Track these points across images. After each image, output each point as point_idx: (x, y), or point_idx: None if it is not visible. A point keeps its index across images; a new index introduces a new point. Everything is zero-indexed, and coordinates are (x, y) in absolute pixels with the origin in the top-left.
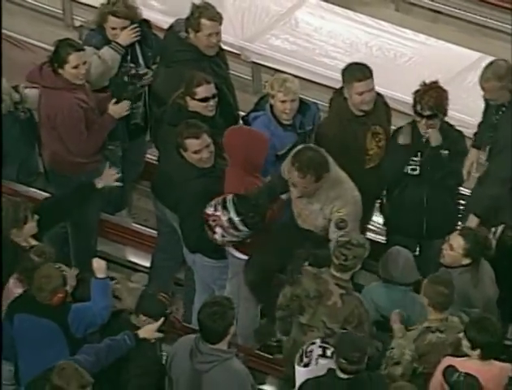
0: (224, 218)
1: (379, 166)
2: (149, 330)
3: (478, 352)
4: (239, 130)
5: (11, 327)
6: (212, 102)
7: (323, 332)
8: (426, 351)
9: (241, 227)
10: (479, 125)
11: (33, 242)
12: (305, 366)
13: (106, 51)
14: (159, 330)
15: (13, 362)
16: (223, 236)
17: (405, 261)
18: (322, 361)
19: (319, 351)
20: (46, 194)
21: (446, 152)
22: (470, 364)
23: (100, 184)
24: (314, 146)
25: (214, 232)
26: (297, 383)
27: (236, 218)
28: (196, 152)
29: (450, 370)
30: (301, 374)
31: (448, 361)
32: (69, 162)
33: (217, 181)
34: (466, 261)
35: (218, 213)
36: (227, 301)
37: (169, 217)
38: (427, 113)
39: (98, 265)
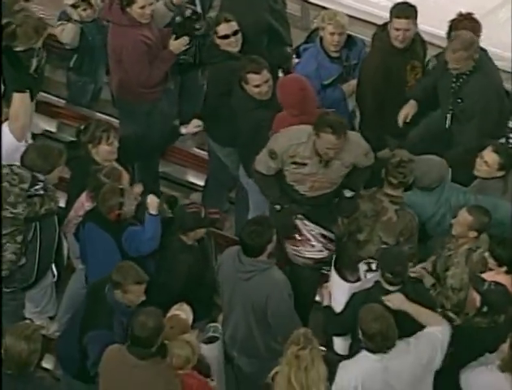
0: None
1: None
2: None
3: (504, 268)
4: (290, 80)
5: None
6: (233, 39)
7: (379, 246)
8: (476, 270)
9: None
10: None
11: (106, 164)
12: (356, 281)
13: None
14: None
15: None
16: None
17: (439, 166)
18: (369, 274)
19: (365, 267)
20: (114, 119)
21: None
22: (499, 278)
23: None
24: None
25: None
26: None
27: None
28: (256, 86)
29: (479, 280)
30: (349, 289)
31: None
32: (133, 91)
33: (274, 112)
34: (501, 173)
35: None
36: (266, 221)
37: (216, 149)
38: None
39: (152, 201)
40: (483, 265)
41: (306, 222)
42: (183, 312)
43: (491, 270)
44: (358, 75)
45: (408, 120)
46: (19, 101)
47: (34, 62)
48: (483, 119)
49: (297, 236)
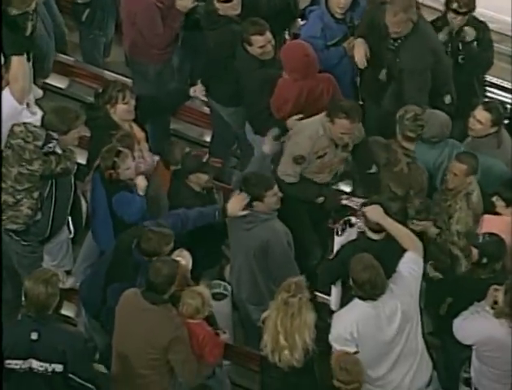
0: None
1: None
2: (236, 201)
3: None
4: (294, 45)
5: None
6: (235, 1)
7: (387, 195)
8: (478, 211)
9: None
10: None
11: (125, 124)
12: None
13: None
14: None
15: None
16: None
17: (442, 119)
18: (350, 229)
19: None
20: (127, 79)
21: (475, 44)
22: (505, 219)
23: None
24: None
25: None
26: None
27: None
28: (260, 47)
29: (473, 235)
30: (336, 243)
31: (486, 218)
32: (146, 52)
33: (277, 72)
34: (494, 129)
35: None
36: (262, 175)
37: (219, 109)
38: (464, 10)
39: (140, 182)
40: (482, 206)
41: None
42: (183, 258)
43: (495, 214)
44: (357, 30)
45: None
46: (18, 64)
47: (29, 25)
48: (420, 77)
49: None
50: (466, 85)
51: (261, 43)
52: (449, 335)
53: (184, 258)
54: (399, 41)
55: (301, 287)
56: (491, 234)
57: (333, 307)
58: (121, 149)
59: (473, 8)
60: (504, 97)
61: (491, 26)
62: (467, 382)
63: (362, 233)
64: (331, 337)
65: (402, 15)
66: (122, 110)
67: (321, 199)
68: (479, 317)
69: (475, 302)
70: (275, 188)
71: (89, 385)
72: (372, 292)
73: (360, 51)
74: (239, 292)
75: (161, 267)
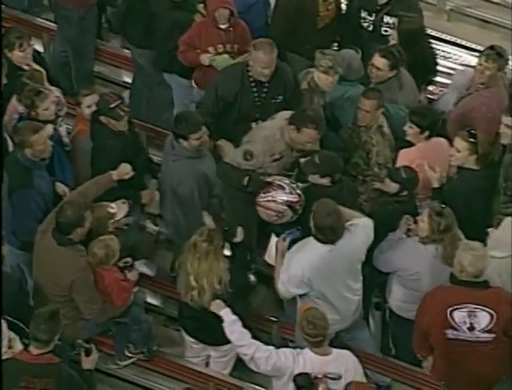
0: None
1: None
2: None
3: (426, 134)
4: None
5: None
6: None
7: None
8: (391, 143)
9: None
10: None
11: (35, 66)
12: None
13: None
14: None
15: None
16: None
17: (354, 59)
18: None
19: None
20: (51, 24)
21: None
22: (417, 149)
23: None
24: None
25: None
26: None
27: None
28: None
29: (394, 170)
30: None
31: (403, 153)
32: None
33: (189, 14)
34: (393, 73)
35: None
36: (192, 114)
37: (132, 50)
38: None
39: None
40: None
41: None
42: (117, 208)
43: (408, 146)
44: (275, 6)
45: None
46: None
47: None
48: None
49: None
50: None
51: None
52: (365, 265)
53: (119, 209)
54: None
55: (214, 236)
56: (409, 168)
57: (267, 258)
58: (41, 89)
59: None
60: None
61: None
62: (378, 306)
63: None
64: (283, 274)
65: None
66: (17, 56)
67: (246, 180)
68: (402, 244)
69: (389, 233)
70: (202, 131)
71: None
72: (332, 236)
73: None
74: (167, 226)
75: (66, 209)
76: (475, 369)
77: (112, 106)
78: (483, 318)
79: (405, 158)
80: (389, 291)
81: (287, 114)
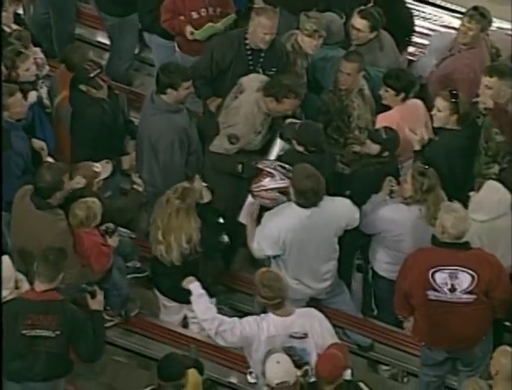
0: None
1: None
2: None
3: (402, 95)
4: None
5: None
6: None
7: None
8: (372, 106)
9: None
10: None
11: (14, 27)
12: None
13: None
14: None
15: None
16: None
17: (333, 22)
18: None
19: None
20: None
21: None
22: (395, 111)
23: None
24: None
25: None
26: None
27: None
28: None
29: (374, 132)
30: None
31: (381, 116)
32: None
33: None
34: (374, 34)
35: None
36: (175, 65)
37: (103, 18)
38: None
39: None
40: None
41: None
42: (101, 167)
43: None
44: None
45: None
46: None
47: None
48: None
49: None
50: None
51: None
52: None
53: (103, 168)
54: None
55: (188, 194)
56: (389, 129)
57: (241, 219)
58: (22, 50)
59: None
60: None
61: None
62: (359, 268)
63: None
64: (258, 233)
65: None
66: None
67: (240, 167)
68: (385, 206)
69: (372, 195)
70: (190, 82)
71: None
72: (314, 198)
73: None
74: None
75: (45, 173)
76: (456, 329)
77: (92, 75)
78: (464, 280)
79: (383, 121)
80: (373, 252)
81: (256, 80)
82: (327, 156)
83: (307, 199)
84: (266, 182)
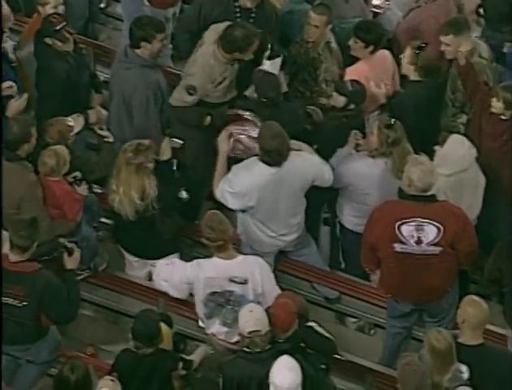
0: None
1: None
2: None
3: (371, 48)
4: None
5: None
6: None
7: None
8: (339, 59)
9: None
10: None
11: None
12: None
13: None
14: None
15: None
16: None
17: None
18: None
19: None
20: None
21: None
22: (363, 63)
23: None
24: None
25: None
26: None
27: None
28: None
29: (341, 83)
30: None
31: (350, 70)
32: None
33: None
34: None
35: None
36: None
37: None
38: None
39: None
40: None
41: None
42: (74, 121)
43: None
44: None
45: None
46: None
47: None
48: None
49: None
50: None
51: None
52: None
53: (76, 122)
54: None
55: (141, 150)
56: (356, 81)
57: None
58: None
59: None
60: None
61: None
62: (327, 221)
63: None
64: (227, 186)
65: None
66: None
67: (208, 119)
68: (351, 159)
69: (338, 149)
70: (164, 34)
71: None
72: (278, 158)
73: None
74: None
75: (12, 125)
76: (423, 281)
77: (58, 27)
78: (430, 232)
79: (352, 73)
80: (340, 206)
81: (214, 32)
82: (284, 111)
83: (272, 158)
84: (251, 129)
